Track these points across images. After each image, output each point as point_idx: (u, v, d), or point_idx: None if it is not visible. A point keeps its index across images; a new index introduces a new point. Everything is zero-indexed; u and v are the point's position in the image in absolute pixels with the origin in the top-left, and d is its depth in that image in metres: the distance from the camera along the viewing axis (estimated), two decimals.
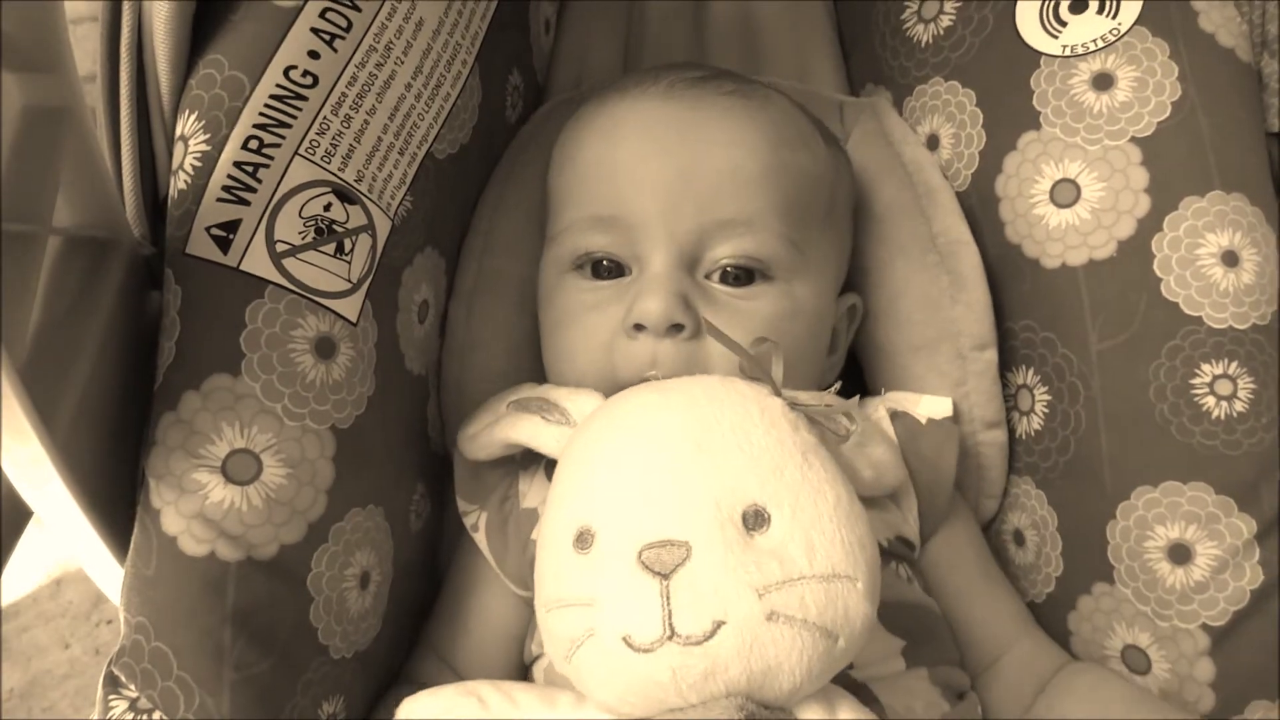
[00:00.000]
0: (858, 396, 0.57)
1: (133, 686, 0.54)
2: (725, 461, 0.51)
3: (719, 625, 0.47)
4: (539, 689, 0.55)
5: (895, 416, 0.73)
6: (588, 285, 0.70)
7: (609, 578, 0.49)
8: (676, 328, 0.65)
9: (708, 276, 0.68)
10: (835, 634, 0.48)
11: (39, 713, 1.09)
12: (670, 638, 0.47)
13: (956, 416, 0.76)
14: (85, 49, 0.58)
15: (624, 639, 0.48)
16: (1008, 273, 0.78)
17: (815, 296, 0.71)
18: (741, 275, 0.68)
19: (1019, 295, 0.77)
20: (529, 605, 0.68)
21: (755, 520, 0.49)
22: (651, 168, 0.68)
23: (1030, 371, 0.77)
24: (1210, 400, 0.68)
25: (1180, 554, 0.67)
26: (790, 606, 0.47)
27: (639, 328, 0.66)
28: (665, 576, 0.48)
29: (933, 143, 0.83)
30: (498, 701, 0.53)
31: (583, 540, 0.51)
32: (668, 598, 0.48)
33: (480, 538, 0.70)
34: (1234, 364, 0.67)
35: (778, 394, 0.55)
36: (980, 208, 0.79)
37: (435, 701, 0.54)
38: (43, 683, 1.11)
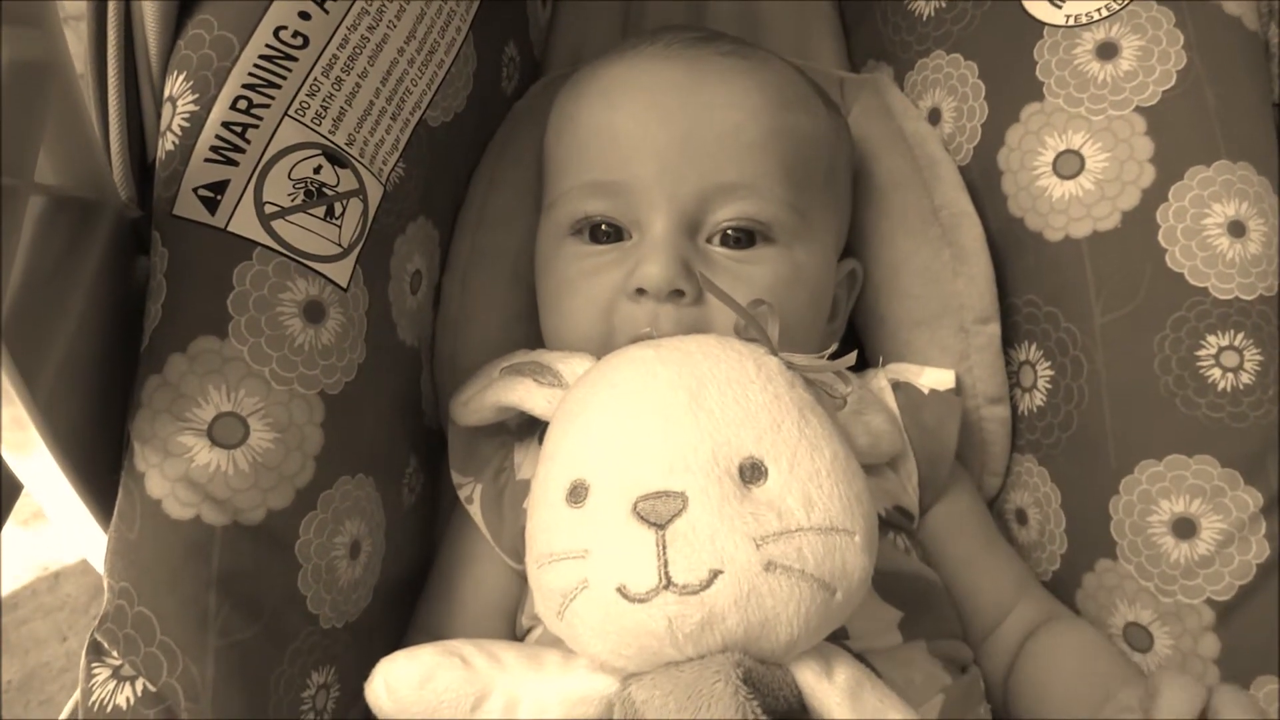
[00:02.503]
0: (854, 353, 0.56)
1: (115, 653, 0.53)
2: (722, 415, 0.50)
3: (716, 574, 0.46)
4: (525, 649, 0.54)
5: (897, 387, 0.72)
6: (587, 250, 0.69)
7: (603, 529, 0.49)
8: (678, 293, 0.65)
9: (709, 240, 0.68)
10: (833, 586, 0.48)
11: (36, 705, 1.09)
12: (666, 587, 0.46)
13: (959, 389, 0.75)
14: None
15: (619, 589, 0.47)
16: (1010, 247, 0.77)
17: (816, 261, 0.71)
18: (743, 238, 0.68)
19: (1022, 269, 0.77)
20: (523, 578, 0.68)
21: (752, 473, 0.49)
22: (651, 132, 0.67)
23: (1033, 347, 0.76)
24: (1216, 372, 0.67)
25: (1185, 528, 0.66)
26: (788, 557, 0.47)
27: (641, 292, 0.65)
28: (661, 527, 0.47)
29: (934, 117, 0.82)
30: (481, 662, 0.52)
31: (576, 494, 0.50)
32: (663, 547, 0.47)
33: (475, 510, 0.69)
34: (1240, 335, 0.66)
35: (774, 354, 0.54)
36: (982, 181, 0.78)
37: (413, 664, 0.53)
38: (41, 675, 1.10)
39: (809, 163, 0.71)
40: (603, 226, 0.69)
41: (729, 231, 0.67)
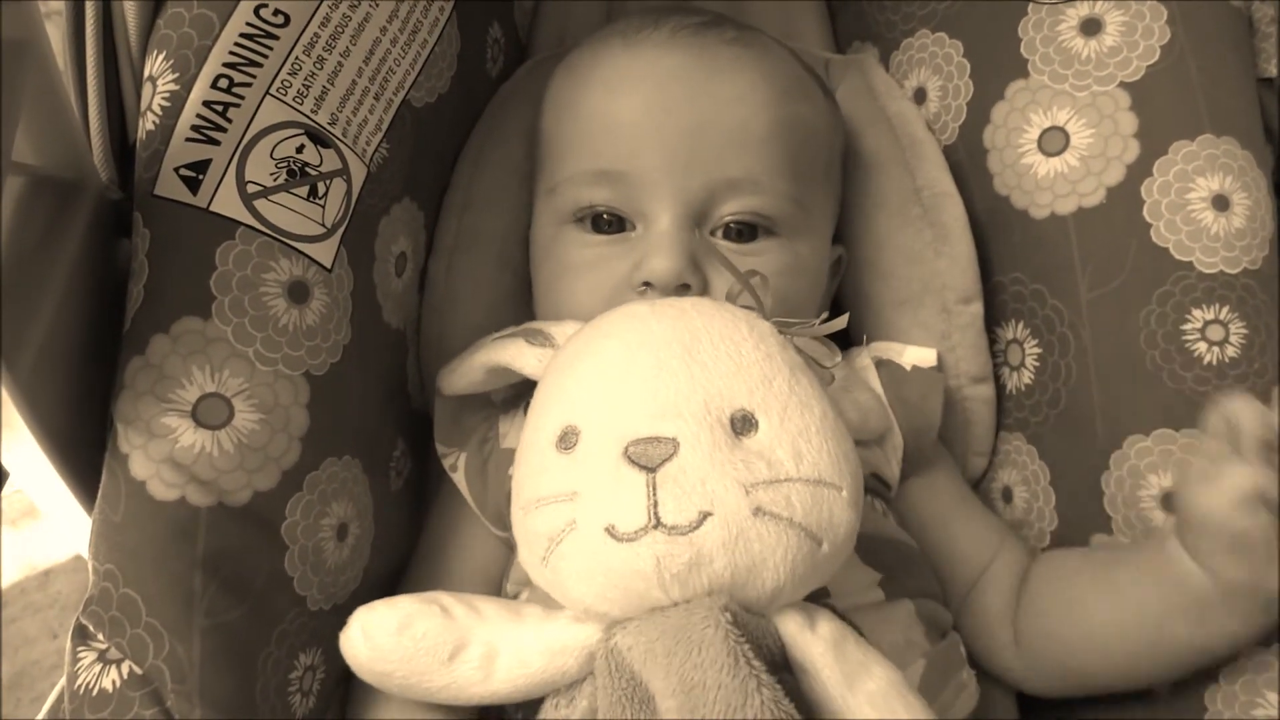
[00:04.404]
0: (845, 316, 0.57)
1: (101, 636, 0.53)
2: (714, 367, 0.50)
3: (705, 516, 0.47)
4: (505, 602, 0.54)
5: (880, 364, 0.72)
6: (589, 240, 0.69)
7: (594, 472, 0.49)
8: (683, 287, 0.65)
9: (712, 233, 0.68)
10: (819, 537, 0.48)
11: (27, 703, 1.08)
12: (655, 527, 0.47)
13: (941, 366, 0.75)
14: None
15: (607, 529, 0.47)
16: (997, 225, 0.77)
17: (814, 252, 0.71)
18: (745, 231, 0.68)
19: (1008, 248, 0.77)
20: (508, 546, 0.68)
21: (743, 424, 0.49)
22: (659, 123, 0.67)
23: (1020, 325, 0.76)
24: (1202, 346, 0.67)
25: (1174, 503, 0.66)
26: (777, 504, 0.47)
27: (647, 285, 0.65)
28: (651, 470, 0.47)
29: (920, 96, 0.82)
30: (461, 611, 0.52)
31: (566, 440, 0.50)
32: (653, 489, 0.47)
33: (459, 478, 0.70)
34: (1225, 309, 0.67)
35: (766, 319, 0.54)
36: (968, 160, 0.78)
37: (392, 611, 0.52)
38: (31, 674, 1.10)
39: (811, 154, 0.71)
40: (605, 216, 0.69)
41: (732, 224, 0.67)
